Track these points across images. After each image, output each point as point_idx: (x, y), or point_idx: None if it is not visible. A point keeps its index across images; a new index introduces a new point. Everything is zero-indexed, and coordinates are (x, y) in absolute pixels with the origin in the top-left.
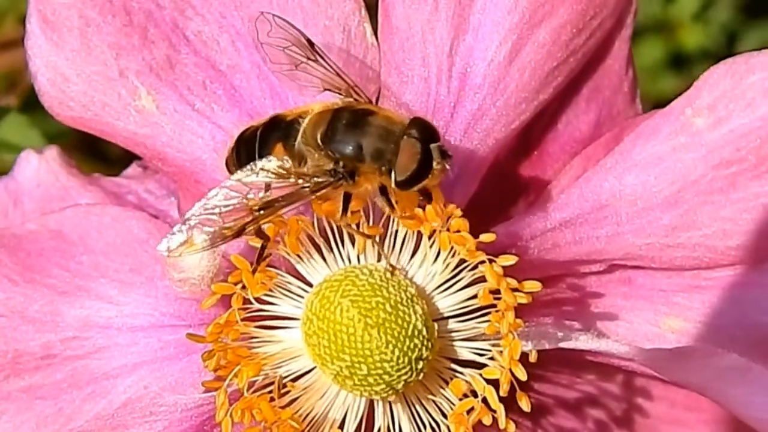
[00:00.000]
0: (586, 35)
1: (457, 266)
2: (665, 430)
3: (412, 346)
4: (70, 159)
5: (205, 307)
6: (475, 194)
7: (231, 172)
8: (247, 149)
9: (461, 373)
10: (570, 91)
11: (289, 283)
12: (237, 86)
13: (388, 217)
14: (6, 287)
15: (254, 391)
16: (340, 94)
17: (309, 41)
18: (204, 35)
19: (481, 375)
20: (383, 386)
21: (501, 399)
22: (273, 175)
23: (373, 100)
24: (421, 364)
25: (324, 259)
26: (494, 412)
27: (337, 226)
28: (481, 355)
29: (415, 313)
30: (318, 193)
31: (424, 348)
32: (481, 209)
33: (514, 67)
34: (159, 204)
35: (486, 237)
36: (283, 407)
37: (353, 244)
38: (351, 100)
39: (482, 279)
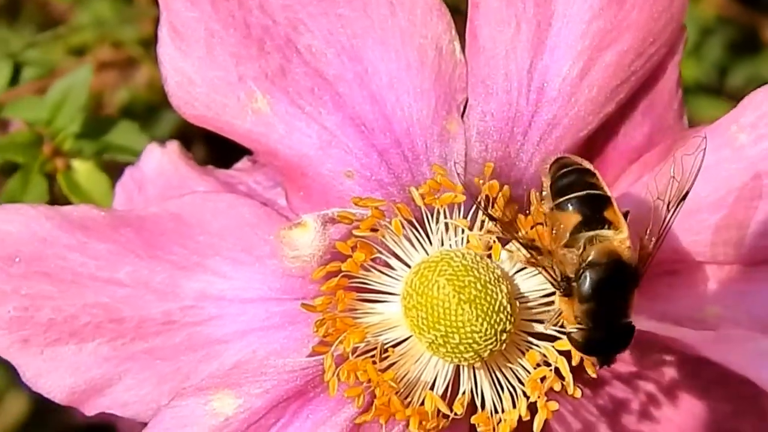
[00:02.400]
0: (644, 59)
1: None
2: (699, 404)
3: (497, 320)
4: (188, 153)
5: (316, 277)
6: None
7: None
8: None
9: (537, 345)
10: (628, 106)
11: (389, 263)
12: (341, 93)
13: (476, 209)
14: (133, 261)
15: (358, 356)
16: (642, 250)
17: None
18: (313, 48)
19: (554, 347)
20: (471, 354)
21: (571, 368)
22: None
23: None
24: (504, 336)
25: (421, 244)
26: (564, 379)
27: (435, 215)
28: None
29: (501, 291)
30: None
31: (507, 322)
32: None
33: (584, 84)
34: (266, 193)
35: None
36: (383, 370)
37: (446, 231)
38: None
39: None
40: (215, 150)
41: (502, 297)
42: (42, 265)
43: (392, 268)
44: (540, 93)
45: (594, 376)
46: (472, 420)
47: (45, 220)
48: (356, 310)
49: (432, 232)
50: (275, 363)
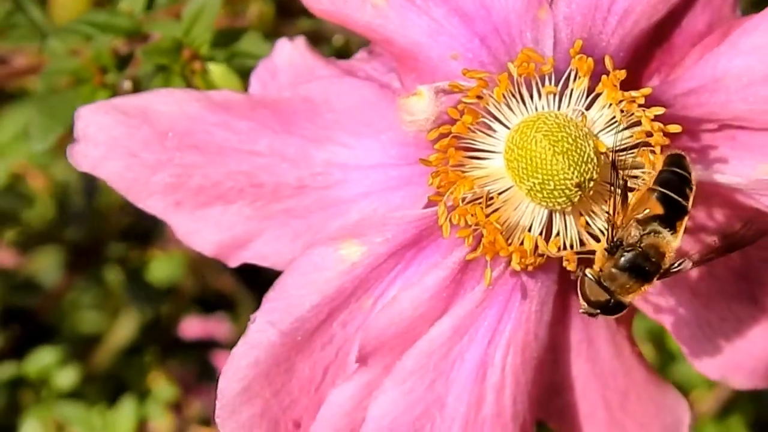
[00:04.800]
0: None
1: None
2: (752, 254)
3: (586, 169)
4: (314, 47)
5: (430, 138)
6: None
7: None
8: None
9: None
10: None
11: (491, 126)
12: None
13: (567, 78)
14: (270, 136)
15: (467, 203)
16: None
17: None
18: None
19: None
20: (564, 199)
21: None
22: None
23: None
24: (591, 184)
25: (519, 109)
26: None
27: (528, 86)
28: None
29: (589, 145)
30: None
31: (593, 172)
32: (627, 80)
33: None
34: (382, 78)
35: (644, 91)
36: (489, 214)
37: (540, 98)
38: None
39: (637, 124)
40: None
41: (590, 150)
42: (192, 140)
43: (494, 131)
44: None
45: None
46: (564, 256)
47: (194, 101)
48: (464, 165)
49: (527, 99)
50: (394, 215)
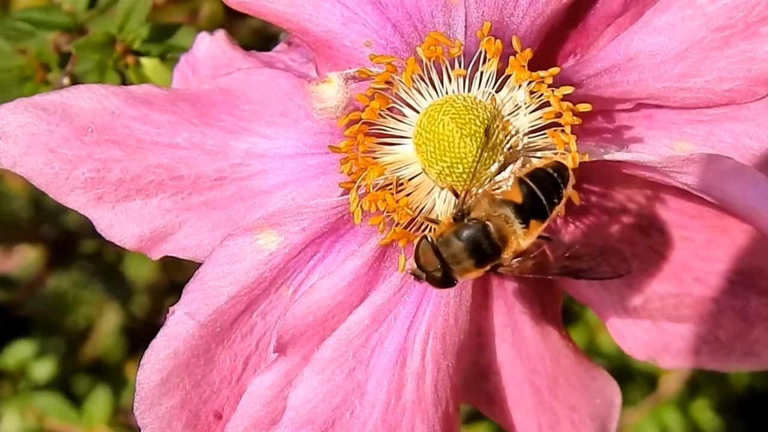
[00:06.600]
0: None
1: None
2: (675, 233)
3: (495, 151)
4: (233, 39)
5: (340, 124)
6: (536, 52)
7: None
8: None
9: None
10: None
11: (402, 111)
12: None
13: (477, 60)
14: (189, 128)
15: (378, 189)
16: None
17: None
18: None
19: None
20: (474, 182)
21: None
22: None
23: None
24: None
25: (429, 92)
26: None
27: (438, 70)
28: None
29: (497, 128)
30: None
31: (503, 154)
32: (541, 63)
33: None
34: (301, 68)
35: (552, 71)
36: (398, 200)
37: (450, 81)
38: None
39: (547, 104)
40: None
41: (499, 132)
42: (111, 134)
43: (405, 116)
44: None
45: (577, 203)
46: None
47: (113, 96)
48: (375, 151)
49: (438, 83)
50: (309, 204)
